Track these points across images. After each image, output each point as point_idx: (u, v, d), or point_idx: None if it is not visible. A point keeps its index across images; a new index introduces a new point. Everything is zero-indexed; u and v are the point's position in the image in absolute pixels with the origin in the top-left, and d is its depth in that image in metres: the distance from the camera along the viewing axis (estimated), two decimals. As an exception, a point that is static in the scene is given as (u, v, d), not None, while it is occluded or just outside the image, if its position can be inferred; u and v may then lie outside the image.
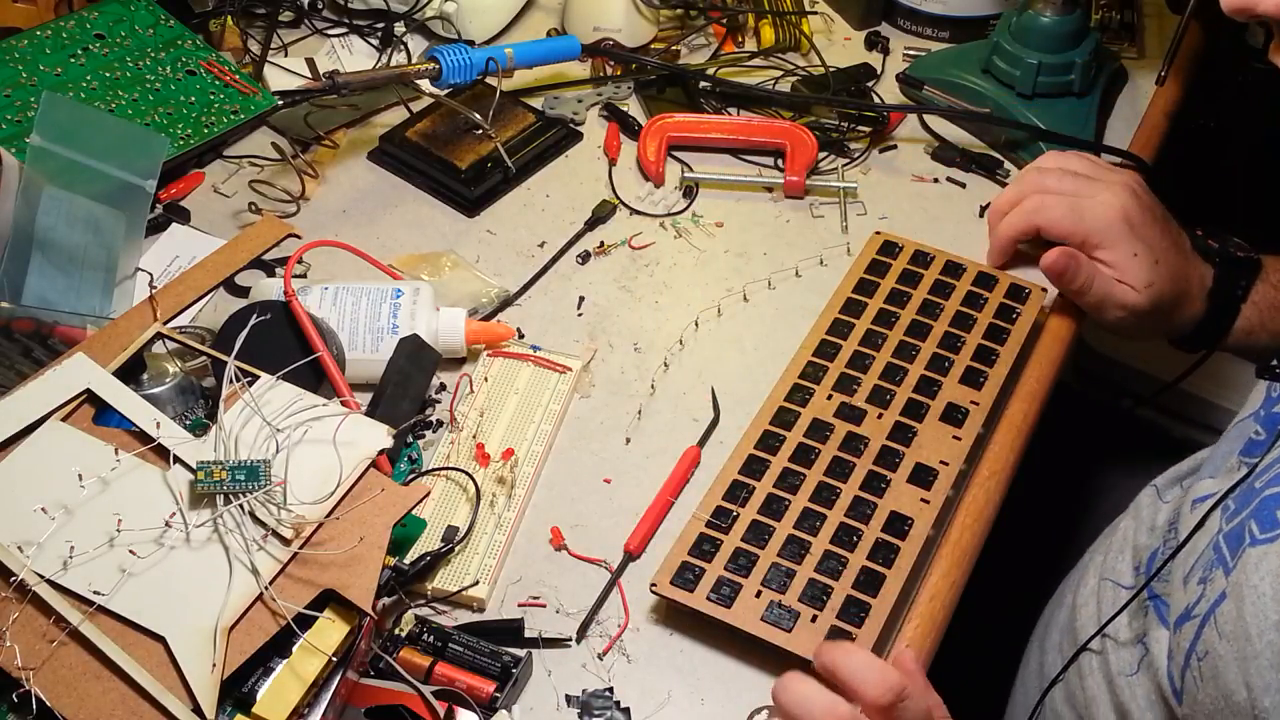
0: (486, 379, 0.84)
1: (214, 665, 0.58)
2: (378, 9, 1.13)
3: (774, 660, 0.70)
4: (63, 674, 0.58)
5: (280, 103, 1.00)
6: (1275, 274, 0.88)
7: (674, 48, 1.13)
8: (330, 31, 1.13)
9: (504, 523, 0.76)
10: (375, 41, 1.12)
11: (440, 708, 0.65)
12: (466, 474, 0.77)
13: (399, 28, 1.12)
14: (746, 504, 0.74)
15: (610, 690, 0.69)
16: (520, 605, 0.73)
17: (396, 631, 0.69)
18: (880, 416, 0.79)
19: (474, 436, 0.80)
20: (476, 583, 0.72)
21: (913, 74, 1.09)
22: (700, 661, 0.71)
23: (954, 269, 0.88)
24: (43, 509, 0.61)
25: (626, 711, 0.68)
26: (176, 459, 0.64)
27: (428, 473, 0.78)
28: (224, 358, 0.68)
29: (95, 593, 0.59)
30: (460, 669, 0.67)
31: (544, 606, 0.73)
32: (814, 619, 0.69)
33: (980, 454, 0.80)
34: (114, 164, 0.87)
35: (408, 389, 0.79)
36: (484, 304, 0.90)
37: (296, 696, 0.59)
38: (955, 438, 0.78)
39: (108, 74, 0.99)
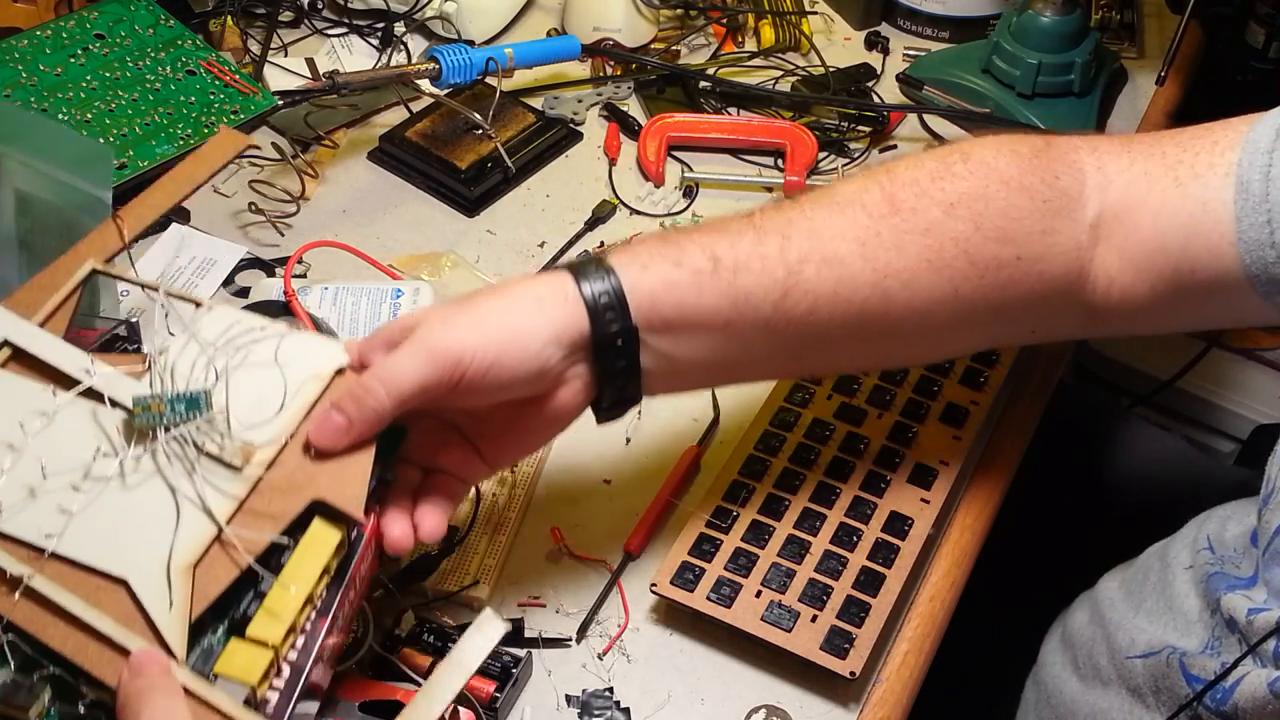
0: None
1: (171, 604, 0.55)
2: (378, 9, 1.13)
3: (774, 660, 0.70)
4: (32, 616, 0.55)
5: (280, 103, 1.00)
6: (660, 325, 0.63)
7: (674, 48, 1.13)
8: (330, 31, 1.13)
9: (504, 523, 0.76)
10: (375, 41, 1.12)
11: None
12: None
13: (399, 28, 1.12)
14: (746, 504, 0.74)
15: (610, 690, 0.69)
16: (520, 605, 0.73)
17: (397, 631, 0.69)
18: (880, 416, 0.79)
19: (474, 436, 0.80)
20: (476, 583, 0.72)
21: (913, 74, 1.09)
22: (700, 661, 0.71)
23: (954, 269, 0.88)
24: None
25: (626, 711, 0.68)
26: (113, 401, 0.60)
27: (428, 473, 0.78)
28: (154, 286, 0.64)
29: (46, 537, 0.56)
30: (460, 669, 0.67)
31: (544, 606, 0.73)
32: (814, 619, 0.69)
33: (980, 454, 0.80)
34: (68, 170, 0.85)
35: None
36: (484, 304, 0.90)
37: (290, 614, 0.56)
38: (955, 438, 0.78)
39: (108, 74, 0.99)
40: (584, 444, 0.81)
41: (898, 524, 0.74)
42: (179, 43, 1.03)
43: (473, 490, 0.76)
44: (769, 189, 1.00)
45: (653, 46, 1.13)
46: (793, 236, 0.63)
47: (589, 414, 0.82)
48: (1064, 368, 0.88)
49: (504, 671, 0.67)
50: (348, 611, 0.61)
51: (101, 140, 0.94)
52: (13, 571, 0.54)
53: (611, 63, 1.11)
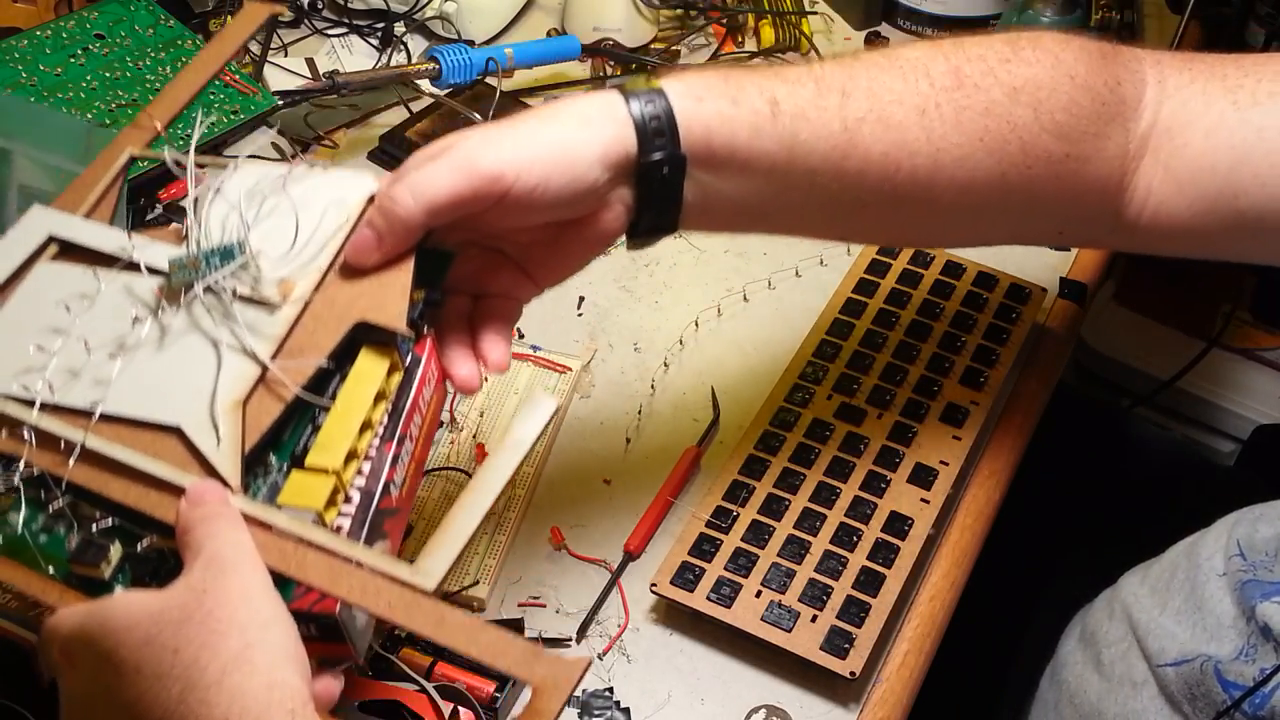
0: (486, 379, 0.84)
1: (220, 439, 0.54)
2: (378, 9, 1.13)
3: (774, 660, 0.70)
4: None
5: (280, 103, 1.00)
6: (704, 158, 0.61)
7: (674, 48, 1.13)
8: (330, 31, 1.13)
9: (504, 523, 0.76)
10: (375, 41, 1.12)
11: (445, 706, 0.65)
12: (466, 474, 0.77)
13: (399, 28, 1.12)
14: (746, 504, 0.74)
15: (610, 690, 0.69)
16: (520, 605, 0.73)
17: (397, 631, 0.69)
18: (880, 417, 0.79)
19: (474, 436, 0.80)
20: (476, 583, 0.72)
21: (913, 74, 1.08)
22: (700, 661, 0.71)
23: (954, 269, 0.88)
24: (37, 346, 0.58)
25: (626, 711, 0.68)
26: (150, 268, 0.60)
27: (428, 473, 0.78)
28: (181, 158, 0.64)
29: (93, 403, 0.56)
30: (460, 669, 0.67)
31: (544, 606, 0.73)
32: (814, 619, 0.69)
33: (980, 454, 0.80)
34: (79, 163, 0.85)
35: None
36: (484, 304, 0.90)
37: (347, 439, 0.55)
38: (955, 438, 0.78)
39: (108, 74, 0.99)
40: (584, 444, 0.81)
41: (898, 524, 0.74)
42: (179, 43, 1.03)
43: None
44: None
45: (653, 46, 1.13)
46: (853, 94, 0.62)
47: (590, 415, 0.83)
48: (1064, 368, 0.88)
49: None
50: (419, 440, 0.60)
51: (110, 127, 0.94)
52: (67, 437, 0.55)
53: (611, 63, 1.11)
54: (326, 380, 0.57)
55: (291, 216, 0.60)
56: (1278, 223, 0.63)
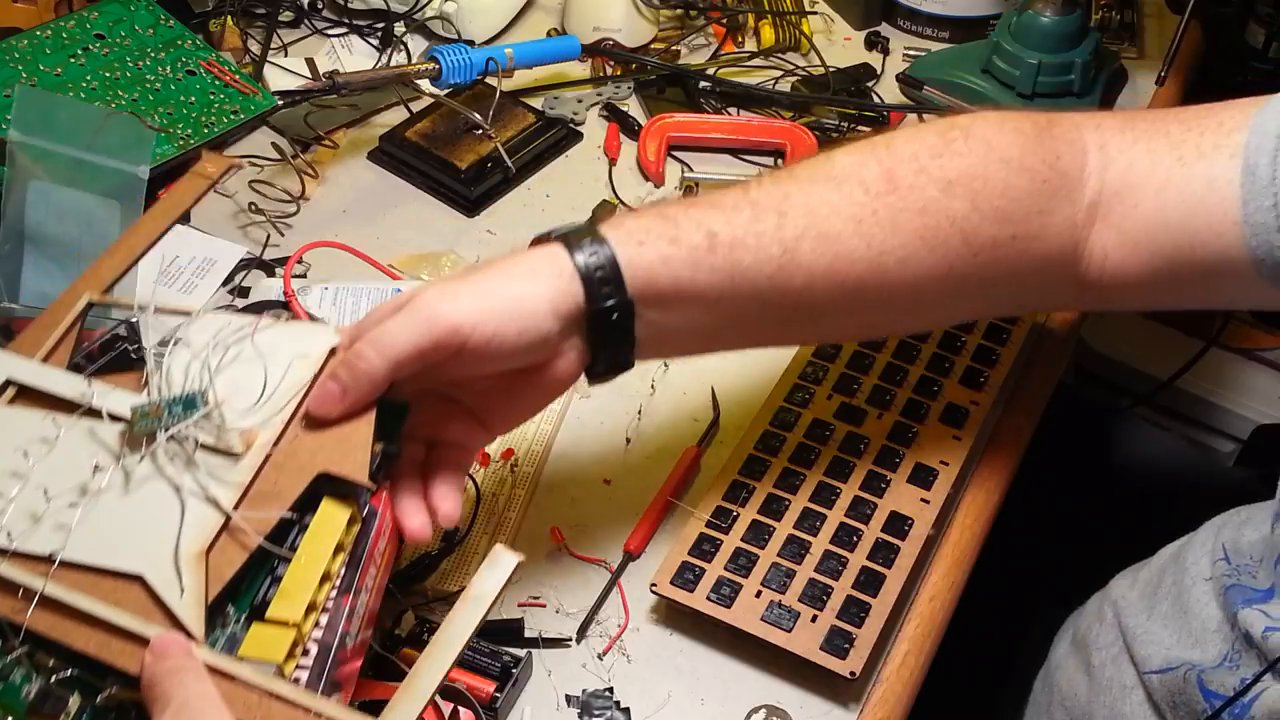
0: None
1: (184, 590, 0.55)
2: (378, 9, 1.13)
3: (774, 660, 0.70)
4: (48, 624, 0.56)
5: (280, 103, 1.00)
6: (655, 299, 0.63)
7: (674, 48, 1.13)
8: (330, 31, 1.13)
9: (504, 523, 0.76)
10: (375, 41, 1.12)
11: (445, 707, 0.65)
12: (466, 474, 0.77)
13: (399, 28, 1.12)
14: (746, 504, 0.74)
15: (610, 690, 0.69)
16: (520, 605, 0.73)
17: (396, 632, 0.69)
18: (880, 417, 0.79)
19: (474, 436, 0.80)
20: (476, 583, 0.72)
21: (913, 74, 1.09)
22: (700, 661, 0.71)
23: (954, 269, 0.88)
24: None
25: (626, 711, 0.68)
26: (112, 415, 0.60)
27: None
28: (140, 306, 0.65)
29: (54, 551, 0.56)
30: (460, 669, 0.67)
31: (544, 606, 0.73)
32: (814, 619, 0.69)
33: (980, 454, 0.80)
34: (100, 152, 0.86)
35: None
36: (484, 304, 0.90)
37: (307, 592, 0.56)
38: (955, 438, 0.78)
39: (108, 74, 0.99)
40: (584, 444, 0.81)
41: (898, 524, 0.74)
42: (179, 43, 1.03)
43: (472, 489, 0.76)
44: (769, 189, 1.00)
45: (653, 46, 1.13)
46: (789, 213, 0.63)
47: (590, 415, 0.83)
48: (1064, 368, 0.88)
49: (504, 671, 0.67)
50: (373, 591, 0.61)
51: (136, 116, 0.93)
52: (27, 584, 0.55)
53: (611, 63, 1.11)
54: (287, 530, 0.58)
55: (250, 366, 0.61)
56: (1235, 269, 0.64)
